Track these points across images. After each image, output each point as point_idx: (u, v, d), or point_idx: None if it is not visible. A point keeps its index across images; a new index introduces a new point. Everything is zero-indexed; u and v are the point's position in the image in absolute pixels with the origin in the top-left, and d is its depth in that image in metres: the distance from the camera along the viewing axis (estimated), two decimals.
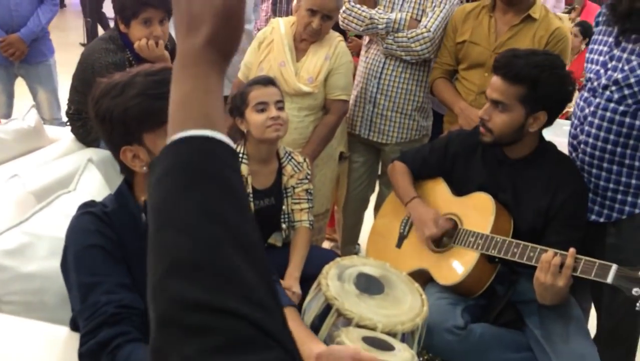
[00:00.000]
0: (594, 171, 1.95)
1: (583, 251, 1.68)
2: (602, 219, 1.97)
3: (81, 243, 1.24)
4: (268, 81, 2.11)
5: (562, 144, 2.12)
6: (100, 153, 2.37)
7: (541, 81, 1.79)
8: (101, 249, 1.24)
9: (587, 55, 2.04)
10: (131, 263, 1.27)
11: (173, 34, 2.83)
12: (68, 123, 2.59)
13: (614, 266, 1.57)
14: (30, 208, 1.71)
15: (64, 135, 2.67)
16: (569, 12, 8.26)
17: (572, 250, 1.61)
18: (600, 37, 1.96)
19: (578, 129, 1.98)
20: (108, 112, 1.26)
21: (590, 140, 1.92)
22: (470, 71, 2.44)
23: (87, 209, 1.30)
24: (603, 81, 1.88)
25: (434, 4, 2.54)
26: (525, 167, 1.91)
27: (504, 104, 1.83)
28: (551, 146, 1.95)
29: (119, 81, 1.28)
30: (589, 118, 1.92)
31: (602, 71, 1.90)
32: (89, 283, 1.20)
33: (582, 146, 1.96)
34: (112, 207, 1.32)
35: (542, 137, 1.94)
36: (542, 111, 1.83)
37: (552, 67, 1.82)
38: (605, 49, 1.92)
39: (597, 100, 1.90)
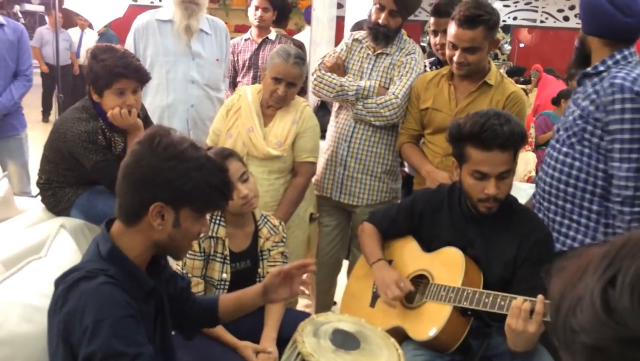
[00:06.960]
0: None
1: None
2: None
3: (117, 314, 1.24)
4: (226, 157, 2.03)
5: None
6: (72, 222, 2.36)
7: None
8: (134, 319, 1.27)
9: None
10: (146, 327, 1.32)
11: (146, 102, 2.90)
12: (38, 195, 2.58)
13: None
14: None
15: (34, 205, 2.66)
16: (526, 84, 8.69)
17: (540, 296, 1.63)
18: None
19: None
20: (178, 180, 1.30)
21: (547, 179, 2.13)
22: (435, 136, 2.53)
23: (103, 280, 1.27)
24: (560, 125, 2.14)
25: (400, 73, 2.67)
26: (492, 222, 1.96)
27: (510, 170, 1.90)
28: (513, 199, 2.02)
29: (196, 155, 1.32)
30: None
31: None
32: (133, 354, 1.22)
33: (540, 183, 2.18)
34: (113, 272, 1.30)
35: None
36: None
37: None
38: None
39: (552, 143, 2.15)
